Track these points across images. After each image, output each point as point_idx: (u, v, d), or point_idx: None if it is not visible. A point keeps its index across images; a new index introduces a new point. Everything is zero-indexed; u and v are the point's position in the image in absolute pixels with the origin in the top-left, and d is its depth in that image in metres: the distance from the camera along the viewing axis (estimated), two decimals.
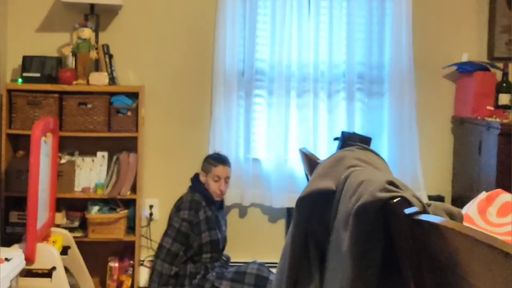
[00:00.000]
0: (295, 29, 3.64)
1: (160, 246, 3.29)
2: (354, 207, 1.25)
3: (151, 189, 3.71)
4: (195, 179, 3.46)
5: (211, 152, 3.66)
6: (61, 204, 3.38)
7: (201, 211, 3.29)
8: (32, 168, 2.81)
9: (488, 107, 3.51)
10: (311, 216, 1.52)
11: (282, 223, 3.78)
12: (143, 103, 3.49)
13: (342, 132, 3.55)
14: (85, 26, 3.42)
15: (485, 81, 3.55)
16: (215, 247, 3.32)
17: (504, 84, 3.58)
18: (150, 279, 3.30)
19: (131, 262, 3.49)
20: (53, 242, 3.08)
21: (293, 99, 3.69)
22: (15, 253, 2.75)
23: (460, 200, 3.52)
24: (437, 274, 1.06)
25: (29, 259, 2.81)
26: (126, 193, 3.43)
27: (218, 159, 3.42)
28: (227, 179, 3.42)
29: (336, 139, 3.55)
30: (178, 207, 3.35)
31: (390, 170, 1.63)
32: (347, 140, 3.46)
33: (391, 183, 1.23)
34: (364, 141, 3.47)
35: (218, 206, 3.44)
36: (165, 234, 3.32)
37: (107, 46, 3.54)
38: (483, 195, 1.97)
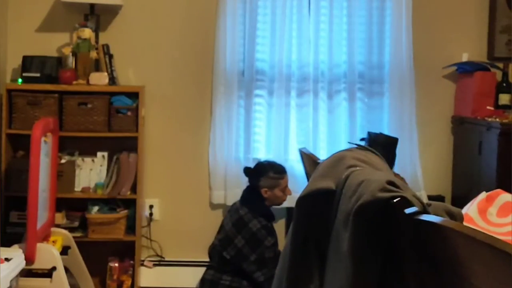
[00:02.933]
0: (295, 29, 3.64)
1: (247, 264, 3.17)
2: (354, 207, 1.25)
3: (151, 189, 3.71)
4: (251, 196, 3.29)
5: (211, 151, 3.66)
6: (61, 204, 3.38)
7: (275, 234, 3.24)
8: (32, 168, 2.81)
9: (488, 107, 3.51)
10: (311, 216, 1.52)
11: (282, 223, 3.77)
12: (143, 103, 3.49)
13: (368, 133, 3.55)
14: (85, 26, 3.42)
15: (485, 81, 3.55)
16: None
17: (504, 84, 3.58)
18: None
19: (131, 262, 3.49)
20: (53, 242, 3.07)
21: (293, 99, 3.68)
22: (15, 253, 2.74)
23: (460, 200, 3.51)
24: (437, 273, 1.06)
25: (29, 259, 2.81)
26: (126, 193, 3.43)
27: (281, 170, 3.34)
28: None
29: (362, 139, 3.56)
30: (255, 238, 3.17)
31: (390, 170, 1.64)
32: (374, 140, 3.46)
33: (391, 183, 1.23)
34: (390, 142, 3.47)
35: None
36: (254, 268, 3.16)
37: (107, 46, 3.54)
38: (483, 195, 1.98)
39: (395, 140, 3.49)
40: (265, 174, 3.29)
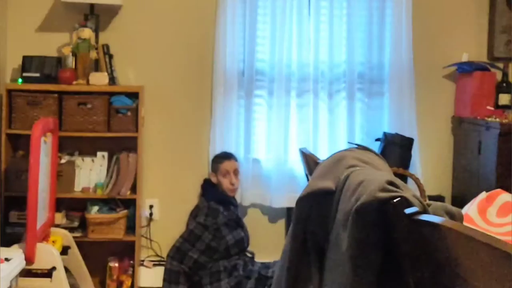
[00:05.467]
0: (295, 29, 3.64)
1: (172, 245, 3.30)
2: (354, 207, 1.25)
3: (151, 189, 3.71)
4: (206, 185, 3.50)
5: (211, 152, 3.67)
6: (61, 204, 3.38)
7: (219, 217, 3.32)
8: (32, 168, 2.81)
9: (488, 107, 3.51)
10: (311, 216, 1.52)
11: (282, 223, 3.78)
12: (143, 103, 3.49)
13: (384, 133, 3.56)
14: (85, 26, 3.42)
15: (485, 81, 3.56)
16: (241, 246, 3.36)
17: (504, 84, 3.59)
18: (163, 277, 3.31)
19: (131, 262, 3.49)
20: (53, 242, 3.08)
21: (293, 99, 3.69)
22: (15, 253, 2.74)
23: (460, 200, 3.52)
24: (437, 274, 1.06)
25: (29, 259, 2.81)
26: (126, 193, 3.43)
27: (222, 155, 3.51)
28: (235, 172, 3.49)
29: (377, 140, 3.56)
30: (195, 214, 3.40)
31: (390, 170, 1.63)
32: (390, 141, 3.47)
33: (391, 183, 1.23)
34: (406, 142, 3.49)
35: (235, 204, 3.49)
36: (180, 236, 3.33)
37: (107, 46, 3.54)
38: (483, 195, 1.98)
39: (411, 140, 3.50)
40: (212, 159, 3.53)
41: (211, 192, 3.44)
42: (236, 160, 3.53)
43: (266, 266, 3.24)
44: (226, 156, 3.50)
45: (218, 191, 3.44)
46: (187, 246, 3.22)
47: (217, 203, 3.36)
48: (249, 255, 3.44)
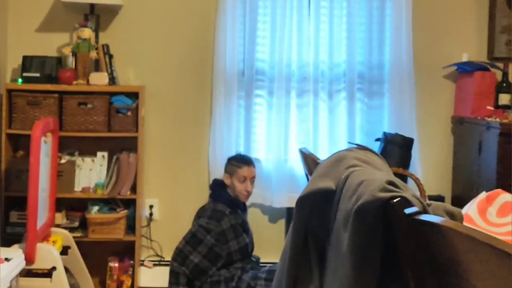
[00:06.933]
0: (295, 29, 3.64)
1: (176, 247, 3.19)
2: (354, 207, 1.25)
3: (151, 189, 3.71)
4: (215, 186, 3.35)
5: (211, 151, 3.67)
6: (61, 204, 3.39)
7: (224, 220, 3.16)
8: (32, 168, 2.81)
9: (488, 107, 3.51)
10: (311, 216, 1.52)
11: (282, 223, 3.78)
12: (143, 103, 3.50)
13: (384, 133, 3.56)
14: (85, 26, 3.43)
15: (485, 81, 3.56)
16: (245, 252, 3.23)
17: (504, 84, 3.59)
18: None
19: (131, 262, 3.50)
20: (53, 242, 3.08)
21: (293, 99, 3.69)
22: (15, 253, 2.74)
23: (460, 200, 3.52)
24: (437, 274, 1.06)
25: (29, 259, 2.81)
26: (126, 193, 3.43)
27: (243, 160, 3.33)
28: (253, 179, 3.32)
29: (377, 140, 3.56)
30: (199, 214, 3.26)
31: (390, 170, 1.63)
32: (390, 140, 3.47)
33: (391, 183, 1.23)
34: (406, 142, 3.49)
35: (242, 208, 3.34)
36: (183, 237, 3.20)
37: (107, 46, 3.54)
38: (483, 195, 1.98)
39: (411, 140, 3.50)
40: (229, 160, 3.35)
41: (219, 194, 3.29)
42: (255, 166, 3.36)
43: (256, 277, 3.13)
44: (246, 162, 3.32)
45: (227, 193, 3.28)
46: (188, 249, 3.12)
47: (224, 205, 3.22)
48: (253, 259, 3.37)
